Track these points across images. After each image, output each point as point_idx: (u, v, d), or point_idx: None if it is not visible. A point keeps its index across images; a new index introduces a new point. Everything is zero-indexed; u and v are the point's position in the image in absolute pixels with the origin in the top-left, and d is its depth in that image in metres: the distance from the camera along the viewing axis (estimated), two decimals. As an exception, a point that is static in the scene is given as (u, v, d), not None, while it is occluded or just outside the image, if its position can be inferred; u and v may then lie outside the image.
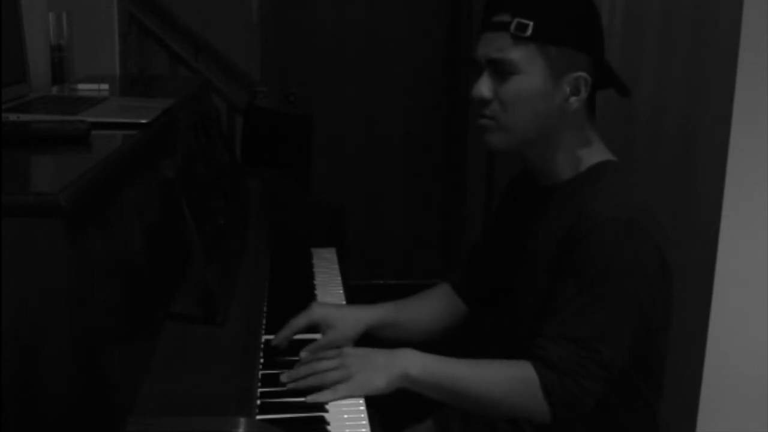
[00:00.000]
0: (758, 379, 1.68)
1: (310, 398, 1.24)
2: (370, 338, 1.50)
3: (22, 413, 0.87)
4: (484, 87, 1.32)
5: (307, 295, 1.72)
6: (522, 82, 1.29)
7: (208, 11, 3.59)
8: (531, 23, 1.26)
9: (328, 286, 1.80)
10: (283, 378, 1.28)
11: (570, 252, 1.27)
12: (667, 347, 1.39)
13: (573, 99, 1.31)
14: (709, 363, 1.68)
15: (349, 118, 3.97)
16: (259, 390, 1.26)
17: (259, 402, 1.23)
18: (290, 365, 1.34)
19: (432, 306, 1.59)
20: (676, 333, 1.66)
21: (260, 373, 1.32)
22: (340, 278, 1.85)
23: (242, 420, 1.00)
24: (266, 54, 3.79)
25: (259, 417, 1.17)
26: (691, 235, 1.73)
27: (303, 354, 1.39)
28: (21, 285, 0.85)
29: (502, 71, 1.30)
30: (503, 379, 1.27)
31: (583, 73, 1.30)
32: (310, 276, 1.85)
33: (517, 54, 1.28)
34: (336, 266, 1.93)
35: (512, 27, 1.27)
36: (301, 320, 1.44)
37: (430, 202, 4.10)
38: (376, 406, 1.29)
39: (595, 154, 1.36)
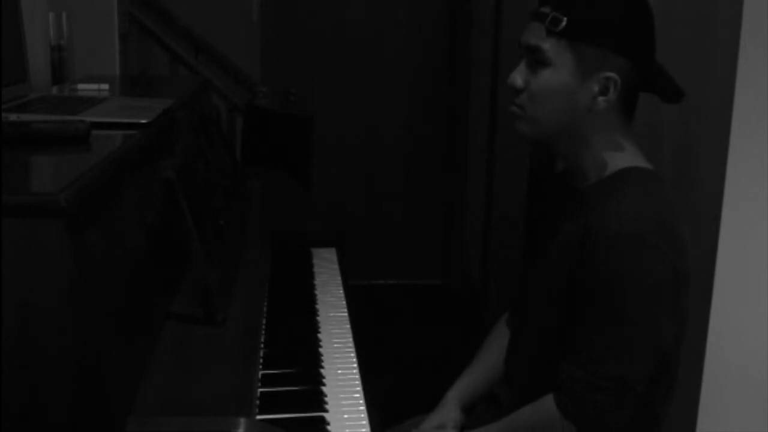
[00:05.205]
0: (758, 379, 1.68)
1: None
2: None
3: (22, 413, 0.87)
4: (518, 75, 1.34)
5: (307, 295, 1.72)
6: (550, 75, 1.31)
7: (208, 11, 3.59)
8: (565, 19, 1.28)
9: (328, 286, 1.79)
10: None
11: (581, 268, 1.27)
12: (679, 360, 1.37)
13: (601, 99, 1.30)
14: (709, 363, 1.68)
15: (349, 118, 3.97)
16: (259, 390, 1.26)
17: (258, 402, 1.23)
18: (290, 366, 1.35)
19: (498, 348, 1.58)
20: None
21: (260, 373, 1.31)
22: (340, 278, 1.84)
23: (242, 420, 1.00)
24: (266, 54, 3.79)
25: (259, 417, 1.17)
26: (692, 235, 1.72)
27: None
28: (21, 285, 0.85)
29: (535, 62, 1.32)
30: None
31: (613, 74, 1.28)
32: (310, 276, 1.85)
33: (548, 45, 1.30)
34: (336, 266, 1.93)
35: (548, 20, 1.29)
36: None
37: (430, 201, 4.10)
38: (376, 404, 1.30)
39: (625, 159, 1.34)
